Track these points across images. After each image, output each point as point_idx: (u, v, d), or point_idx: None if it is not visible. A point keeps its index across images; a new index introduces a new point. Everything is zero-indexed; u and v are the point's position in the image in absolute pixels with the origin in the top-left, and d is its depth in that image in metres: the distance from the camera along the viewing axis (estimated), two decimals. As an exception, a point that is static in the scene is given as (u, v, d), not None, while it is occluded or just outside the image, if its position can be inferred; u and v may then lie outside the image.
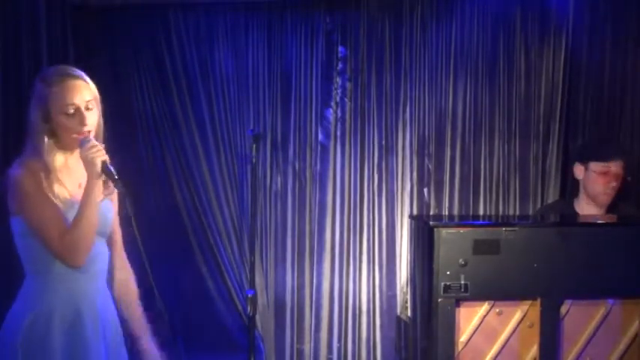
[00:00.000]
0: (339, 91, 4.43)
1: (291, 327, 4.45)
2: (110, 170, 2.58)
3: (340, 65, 4.43)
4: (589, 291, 2.93)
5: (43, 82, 2.64)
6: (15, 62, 3.98)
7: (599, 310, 2.96)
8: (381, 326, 4.42)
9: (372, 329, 4.44)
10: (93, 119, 2.64)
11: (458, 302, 2.90)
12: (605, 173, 3.83)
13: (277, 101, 4.43)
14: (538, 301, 2.91)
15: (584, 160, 3.90)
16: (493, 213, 4.37)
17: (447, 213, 4.39)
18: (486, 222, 3.54)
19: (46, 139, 2.63)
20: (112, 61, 4.36)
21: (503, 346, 2.94)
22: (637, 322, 2.97)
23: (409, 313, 3.52)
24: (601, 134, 4.33)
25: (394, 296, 4.43)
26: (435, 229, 2.87)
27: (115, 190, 2.82)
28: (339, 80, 4.43)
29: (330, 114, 4.44)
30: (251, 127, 4.36)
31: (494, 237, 2.88)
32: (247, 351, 4.17)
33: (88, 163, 2.57)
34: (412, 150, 4.42)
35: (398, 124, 4.42)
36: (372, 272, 4.43)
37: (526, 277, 2.89)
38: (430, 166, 4.43)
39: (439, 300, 2.87)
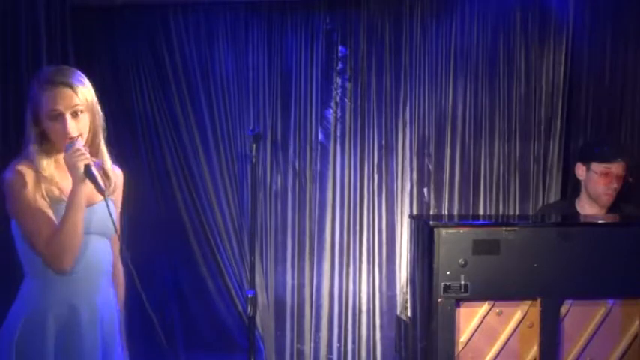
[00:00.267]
0: (339, 91, 4.43)
1: (291, 327, 4.46)
2: (93, 174, 2.59)
3: (340, 65, 4.43)
4: (589, 291, 2.93)
5: (35, 83, 2.66)
6: (14, 62, 3.98)
7: (599, 310, 2.96)
8: (381, 326, 4.43)
9: (372, 329, 4.44)
10: (80, 125, 2.65)
11: (458, 302, 2.90)
12: (606, 174, 3.83)
13: (277, 101, 4.44)
14: (538, 301, 2.91)
15: (586, 161, 3.90)
16: (493, 213, 4.37)
17: (447, 213, 4.39)
18: (486, 222, 3.54)
19: (37, 140, 2.65)
20: (112, 61, 4.36)
21: (503, 346, 2.94)
22: (637, 322, 2.97)
23: (409, 313, 3.52)
24: (602, 134, 4.33)
25: (394, 296, 4.43)
26: (435, 229, 2.87)
27: (117, 190, 2.83)
28: (339, 80, 4.43)
29: (330, 114, 4.44)
30: (251, 127, 4.36)
31: (494, 237, 2.88)
32: (247, 351, 4.17)
33: (71, 167, 2.59)
34: (412, 150, 4.42)
35: (398, 124, 4.42)
36: (372, 272, 4.43)
37: (526, 277, 2.89)
38: (430, 166, 4.43)
39: (439, 300, 2.87)
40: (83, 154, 2.59)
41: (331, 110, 4.44)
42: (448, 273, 2.86)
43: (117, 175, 2.85)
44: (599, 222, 3.45)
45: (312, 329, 4.45)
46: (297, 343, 4.46)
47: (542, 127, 4.37)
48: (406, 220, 4.36)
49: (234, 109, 4.40)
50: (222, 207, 4.38)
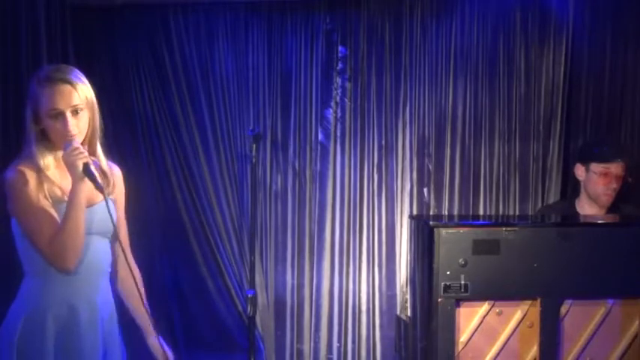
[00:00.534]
0: (339, 91, 4.43)
1: (291, 327, 4.46)
2: (92, 172, 2.59)
3: (340, 65, 4.43)
4: (589, 291, 2.93)
5: (35, 82, 2.66)
6: (14, 62, 3.98)
7: (599, 310, 2.95)
8: (381, 326, 4.43)
9: (371, 329, 4.44)
10: (80, 124, 2.65)
11: (458, 302, 2.89)
12: (605, 174, 3.83)
13: (277, 101, 4.44)
14: (538, 301, 2.91)
15: (585, 161, 3.90)
16: (493, 213, 4.37)
17: (447, 213, 4.39)
18: (486, 222, 3.54)
19: (37, 139, 2.65)
20: (112, 61, 4.36)
21: (503, 346, 2.94)
22: (637, 322, 2.97)
23: (409, 313, 3.52)
24: (602, 134, 4.33)
25: (394, 296, 4.43)
26: (435, 229, 2.87)
27: (117, 189, 2.83)
28: (339, 80, 4.43)
29: (330, 114, 4.44)
30: (251, 127, 4.36)
31: (494, 237, 2.88)
32: (247, 351, 4.17)
33: (70, 166, 2.59)
34: (412, 150, 4.42)
35: (398, 124, 4.42)
36: (372, 272, 4.43)
37: (526, 277, 2.89)
38: (430, 166, 4.43)
39: (439, 300, 2.86)
40: (81, 153, 2.59)
41: (331, 110, 4.44)
42: (448, 273, 2.86)
43: (115, 174, 2.85)
44: (599, 222, 3.45)
45: (312, 329, 4.45)
46: (297, 343, 4.46)
47: (542, 127, 4.37)
48: (406, 220, 4.37)
49: (234, 109, 4.41)
50: (222, 207, 4.38)
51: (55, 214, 2.61)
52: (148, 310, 2.83)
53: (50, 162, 2.66)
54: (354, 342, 4.45)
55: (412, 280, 3.36)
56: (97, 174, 2.62)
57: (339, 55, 4.42)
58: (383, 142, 4.42)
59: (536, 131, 4.38)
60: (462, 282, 2.86)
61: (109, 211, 2.62)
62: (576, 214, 3.93)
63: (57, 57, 3.98)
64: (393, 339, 4.31)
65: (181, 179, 4.39)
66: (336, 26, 4.41)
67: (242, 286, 4.36)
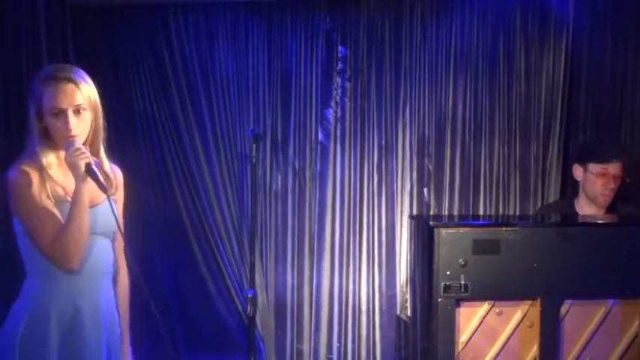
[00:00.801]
0: (339, 91, 4.44)
1: (291, 327, 4.46)
2: (94, 172, 2.58)
3: (340, 65, 4.43)
4: (589, 291, 2.93)
5: (38, 80, 2.65)
6: (15, 62, 3.98)
7: (599, 310, 2.95)
8: (381, 326, 4.43)
9: (371, 329, 4.44)
10: (82, 124, 2.64)
11: (458, 302, 2.89)
12: (603, 174, 3.83)
13: (277, 101, 4.44)
14: (538, 301, 2.91)
15: (583, 162, 3.90)
16: (493, 213, 4.37)
17: (447, 213, 4.39)
18: (486, 222, 3.54)
19: (40, 138, 2.64)
20: (112, 61, 4.36)
21: (503, 346, 2.94)
22: (637, 322, 2.97)
23: (409, 313, 3.52)
24: (602, 134, 4.33)
25: (394, 296, 4.43)
26: (435, 229, 2.87)
27: (119, 190, 2.83)
28: (339, 80, 4.43)
29: (330, 114, 4.44)
30: (251, 127, 4.36)
31: (494, 237, 2.88)
32: (247, 351, 4.17)
33: (72, 166, 2.58)
34: (412, 150, 4.42)
35: (398, 124, 4.43)
36: (372, 272, 4.44)
37: (526, 277, 2.89)
38: (430, 166, 4.43)
39: (439, 300, 2.86)
40: (83, 153, 2.58)
41: (331, 110, 4.44)
42: (448, 273, 2.86)
43: (116, 174, 2.85)
44: (599, 222, 3.45)
45: (312, 329, 4.45)
46: (297, 343, 4.46)
47: (542, 127, 4.37)
48: (406, 220, 4.37)
49: (234, 109, 4.41)
50: (222, 207, 4.38)
51: (58, 214, 2.61)
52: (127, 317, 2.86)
53: (52, 160, 2.66)
54: (354, 342, 4.45)
55: (412, 280, 3.37)
56: (99, 173, 2.61)
57: (339, 55, 4.43)
58: (383, 142, 4.42)
59: (536, 131, 4.38)
60: (462, 282, 2.86)
61: (112, 211, 2.62)
62: (575, 214, 3.93)
63: (57, 57, 3.99)
64: (393, 339, 4.31)
65: (181, 179, 4.39)
66: (336, 26, 4.42)
67: (242, 286, 4.36)
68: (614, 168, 3.83)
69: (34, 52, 3.98)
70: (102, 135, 2.75)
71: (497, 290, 2.90)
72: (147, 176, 4.39)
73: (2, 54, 3.98)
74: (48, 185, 2.61)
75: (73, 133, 2.61)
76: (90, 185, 2.60)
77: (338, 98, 4.44)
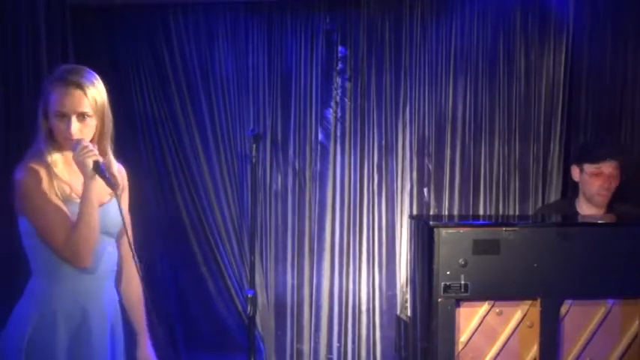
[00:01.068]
0: (339, 91, 4.44)
1: (291, 327, 4.46)
2: (102, 170, 2.58)
3: (340, 65, 4.43)
4: (589, 291, 2.93)
5: (49, 79, 2.64)
6: (15, 62, 3.98)
7: (599, 310, 2.95)
8: (381, 326, 4.43)
9: (371, 329, 4.44)
10: (86, 129, 2.63)
11: (458, 302, 2.89)
12: (597, 174, 3.83)
13: (277, 101, 4.44)
14: (538, 301, 2.91)
15: (579, 162, 3.91)
16: (493, 213, 4.37)
17: (447, 213, 4.39)
18: (486, 222, 3.54)
19: (47, 135, 2.64)
20: (112, 61, 4.36)
21: (503, 346, 2.94)
22: (637, 322, 2.97)
23: (409, 313, 3.52)
24: (602, 134, 4.33)
25: (394, 296, 4.43)
26: (435, 229, 2.87)
27: (125, 190, 2.83)
28: (339, 80, 4.43)
29: (330, 114, 4.45)
30: (251, 127, 4.36)
31: (494, 237, 2.88)
32: (247, 351, 4.17)
33: (80, 164, 2.58)
34: (412, 150, 4.42)
35: (398, 124, 4.43)
36: (372, 272, 4.44)
37: (526, 277, 2.89)
38: (430, 166, 4.43)
39: (439, 300, 2.86)
40: (91, 151, 2.58)
41: (331, 110, 4.44)
42: (448, 273, 2.86)
43: (123, 175, 2.85)
44: (599, 222, 3.45)
45: (312, 329, 4.45)
46: (297, 343, 4.46)
47: (542, 127, 4.37)
48: (406, 220, 4.37)
49: (234, 109, 4.41)
50: (222, 207, 4.38)
51: (67, 212, 2.60)
52: (145, 316, 2.83)
53: (58, 158, 2.65)
54: (354, 342, 4.45)
55: (412, 280, 3.37)
56: (107, 171, 2.61)
57: (339, 55, 4.43)
58: (383, 142, 4.42)
59: (536, 131, 4.38)
60: (462, 282, 2.86)
61: (120, 211, 2.62)
62: (576, 214, 3.93)
63: (57, 57, 3.99)
64: (393, 339, 4.31)
65: (181, 179, 4.39)
66: (336, 26, 4.42)
67: (242, 286, 4.36)
68: (607, 167, 3.83)
69: (34, 52, 3.98)
70: (109, 136, 2.75)
71: (497, 290, 2.91)
72: (147, 176, 4.38)
73: (2, 54, 3.97)
74: (55, 183, 2.61)
75: (74, 137, 2.61)
76: (98, 184, 2.60)
77: (338, 98, 4.44)
